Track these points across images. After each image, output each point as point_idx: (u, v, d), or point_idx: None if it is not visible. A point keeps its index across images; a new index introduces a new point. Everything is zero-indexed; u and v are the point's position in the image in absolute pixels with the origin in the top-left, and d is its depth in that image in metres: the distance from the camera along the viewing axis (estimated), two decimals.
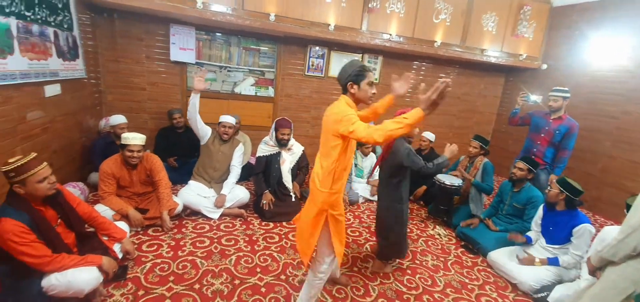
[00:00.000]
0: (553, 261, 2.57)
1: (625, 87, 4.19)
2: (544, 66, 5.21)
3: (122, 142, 2.72)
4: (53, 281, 1.79)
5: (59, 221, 1.99)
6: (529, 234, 2.84)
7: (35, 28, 2.63)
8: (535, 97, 3.87)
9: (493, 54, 4.99)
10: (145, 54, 4.21)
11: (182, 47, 4.25)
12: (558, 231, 2.60)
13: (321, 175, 1.75)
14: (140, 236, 2.74)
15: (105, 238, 2.23)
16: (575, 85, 4.63)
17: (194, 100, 3.07)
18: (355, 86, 1.72)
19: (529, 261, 2.63)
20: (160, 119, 4.41)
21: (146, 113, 4.42)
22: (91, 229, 2.24)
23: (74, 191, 2.91)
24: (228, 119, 3.34)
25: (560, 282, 2.51)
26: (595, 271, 1.59)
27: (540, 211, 2.80)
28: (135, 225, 2.72)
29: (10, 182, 1.75)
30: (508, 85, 5.88)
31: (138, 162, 2.82)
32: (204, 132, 3.31)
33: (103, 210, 2.60)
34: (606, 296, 1.44)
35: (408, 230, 2.77)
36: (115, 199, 2.74)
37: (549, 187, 2.71)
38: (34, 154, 1.82)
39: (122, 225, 2.47)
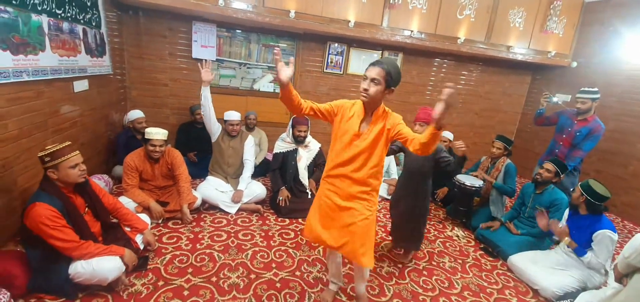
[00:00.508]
0: (580, 252, 2.46)
1: None
2: (574, 64, 4.97)
3: (146, 136, 2.81)
4: (79, 269, 1.87)
5: (87, 209, 2.09)
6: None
7: (65, 25, 2.75)
8: (557, 98, 3.73)
9: (520, 51, 4.80)
10: (168, 51, 4.32)
11: (204, 44, 4.33)
12: (580, 235, 2.50)
13: None
14: (160, 228, 2.83)
15: (127, 229, 2.32)
16: (608, 85, 4.41)
17: (205, 92, 3.09)
18: None
19: (562, 233, 2.54)
20: (182, 114, 4.52)
21: (168, 108, 4.55)
22: (115, 220, 2.33)
23: (99, 182, 3.03)
24: (233, 116, 3.37)
25: (584, 289, 2.40)
26: (622, 278, 1.53)
27: (566, 214, 2.69)
28: (156, 217, 2.81)
29: (44, 167, 1.86)
30: (534, 84, 5.65)
31: (160, 156, 2.91)
32: (216, 128, 3.35)
33: (126, 202, 2.70)
34: None
35: (425, 230, 2.77)
36: (138, 191, 2.85)
37: (572, 189, 2.60)
38: (67, 142, 1.95)
39: (144, 217, 2.55)
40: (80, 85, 3.09)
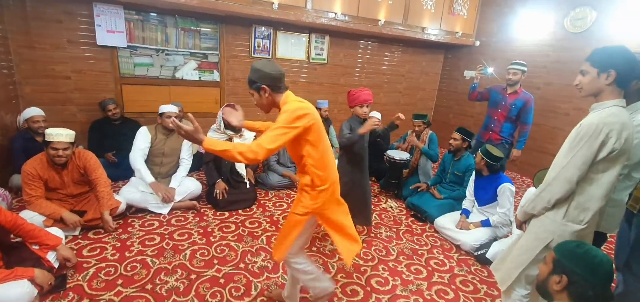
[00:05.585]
0: (485, 223, 2.85)
1: (547, 60, 4.66)
2: (477, 43, 5.59)
3: (46, 139, 2.38)
4: None
5: None
6: (466, 206, 3.08)
7: None
8: (492, 70, 4.02)
9: (432, 32, 5.23)
10: (67, 38, 3.74)
11: (110, 29, 3.84)
12: (485, 193, 2.90)
13: None
14: (79, 240, 2.50)
15: (36, 247, 2.00)
16: (505, 60, 5.02)
17: (148, 180, 2.99)
18: None
19: (465, 226, 2.90)
20: (91, 110, 3.99)
21: (74, 105, 3.97)
22: (18, 239, 1.99)
23: None
24: (170, 109, 3.12)
25: (495, 239, 2.81)
26: (522, 225, 1.79)
27: (472, 178, 3.07)
28: (72, 227, 2.47)
29: None
30: (447, 62, 6.24)
31: (67, 161, 2.52)
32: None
33: (31, 216, 2.32)
34: (530, 246, 1.64)
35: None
36: (45, 202, 2.45)
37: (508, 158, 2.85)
38: None
39: (55, 231, 2.23)
40: None
